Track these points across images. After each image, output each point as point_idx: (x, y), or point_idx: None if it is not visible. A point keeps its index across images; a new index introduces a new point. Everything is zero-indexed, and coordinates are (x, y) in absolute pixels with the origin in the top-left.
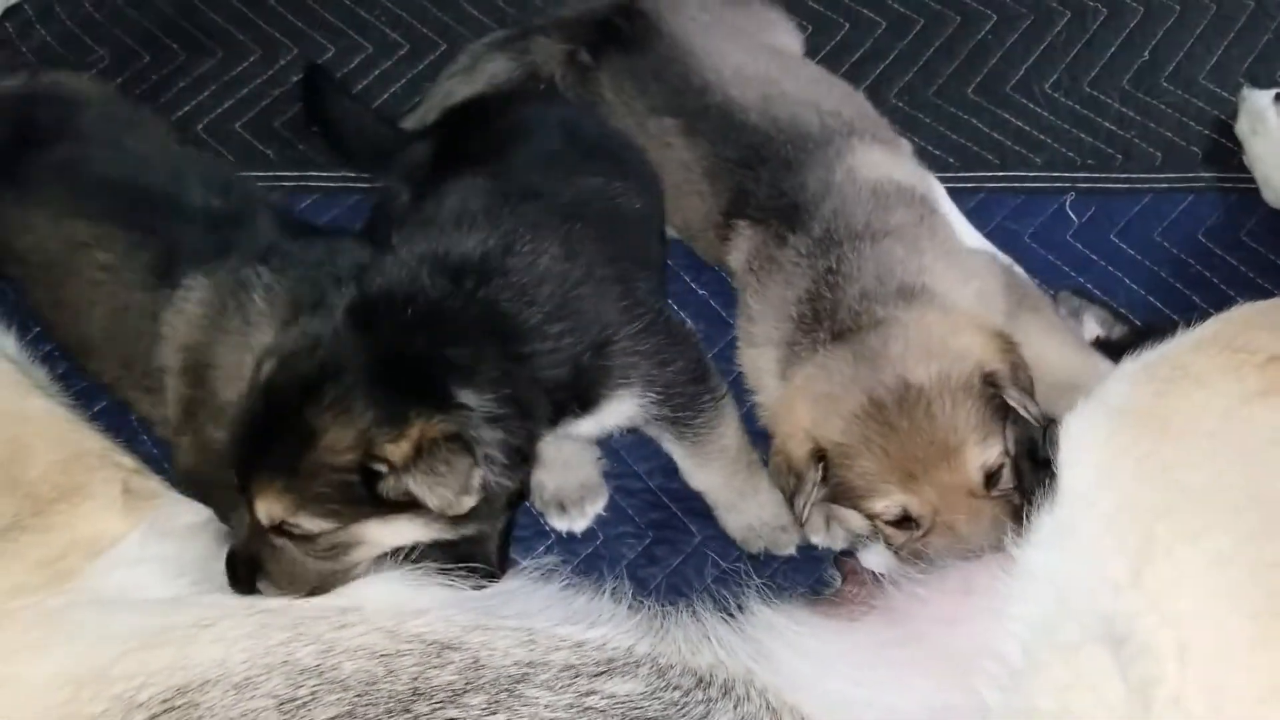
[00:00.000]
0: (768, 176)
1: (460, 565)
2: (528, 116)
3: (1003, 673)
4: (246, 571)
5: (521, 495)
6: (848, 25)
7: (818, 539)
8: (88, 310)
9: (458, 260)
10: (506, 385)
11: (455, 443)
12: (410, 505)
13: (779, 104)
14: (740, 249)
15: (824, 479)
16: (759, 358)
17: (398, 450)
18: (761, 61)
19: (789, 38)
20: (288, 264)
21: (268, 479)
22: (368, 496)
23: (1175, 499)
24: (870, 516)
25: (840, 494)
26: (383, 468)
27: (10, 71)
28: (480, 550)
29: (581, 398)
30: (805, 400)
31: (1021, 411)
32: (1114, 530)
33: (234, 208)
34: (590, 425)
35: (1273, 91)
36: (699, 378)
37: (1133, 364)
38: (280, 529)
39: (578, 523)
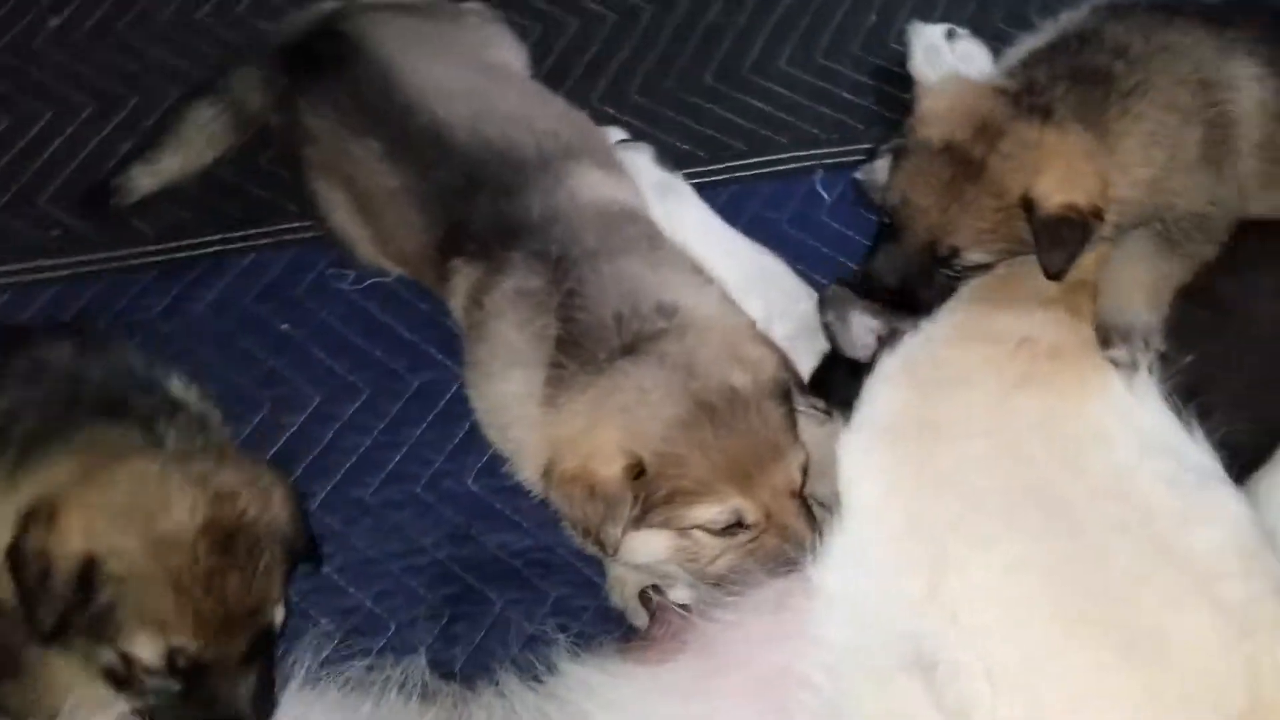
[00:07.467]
0: (486, 203)
1: None
2: None
3: (817, 703)
4: None
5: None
6: (577, 21)
7: (640, 621)
8: None
9: None
10: None
11: None
12: None
13: (489, 122)
14: (460, 289)
15: (636, 497)
16: (514, 384)
17: None
18: (471, 78)
19: (510, 54)
20: None
21: None
22: None
23: (960, 507)
24: (694, 527)
25: (658, 508)
26: None
27: None
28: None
29: None
30: (609, 414)
31: (812, 412)
32: (905, 546)
33: None
34: None
35: (943, 26)
36: None
37: (892, 361)
38: None
39: None
